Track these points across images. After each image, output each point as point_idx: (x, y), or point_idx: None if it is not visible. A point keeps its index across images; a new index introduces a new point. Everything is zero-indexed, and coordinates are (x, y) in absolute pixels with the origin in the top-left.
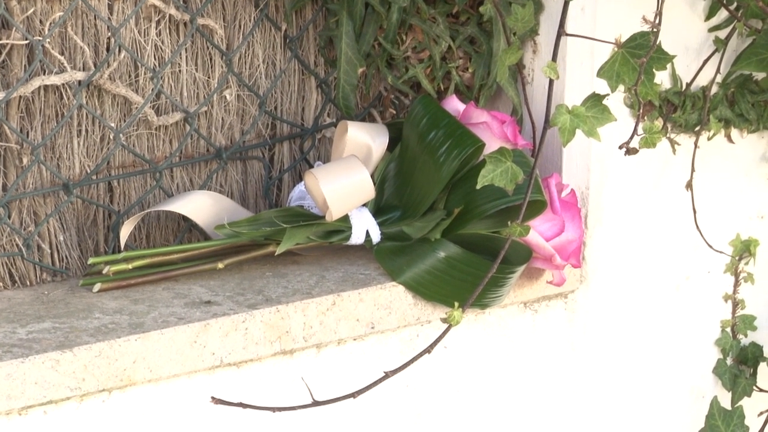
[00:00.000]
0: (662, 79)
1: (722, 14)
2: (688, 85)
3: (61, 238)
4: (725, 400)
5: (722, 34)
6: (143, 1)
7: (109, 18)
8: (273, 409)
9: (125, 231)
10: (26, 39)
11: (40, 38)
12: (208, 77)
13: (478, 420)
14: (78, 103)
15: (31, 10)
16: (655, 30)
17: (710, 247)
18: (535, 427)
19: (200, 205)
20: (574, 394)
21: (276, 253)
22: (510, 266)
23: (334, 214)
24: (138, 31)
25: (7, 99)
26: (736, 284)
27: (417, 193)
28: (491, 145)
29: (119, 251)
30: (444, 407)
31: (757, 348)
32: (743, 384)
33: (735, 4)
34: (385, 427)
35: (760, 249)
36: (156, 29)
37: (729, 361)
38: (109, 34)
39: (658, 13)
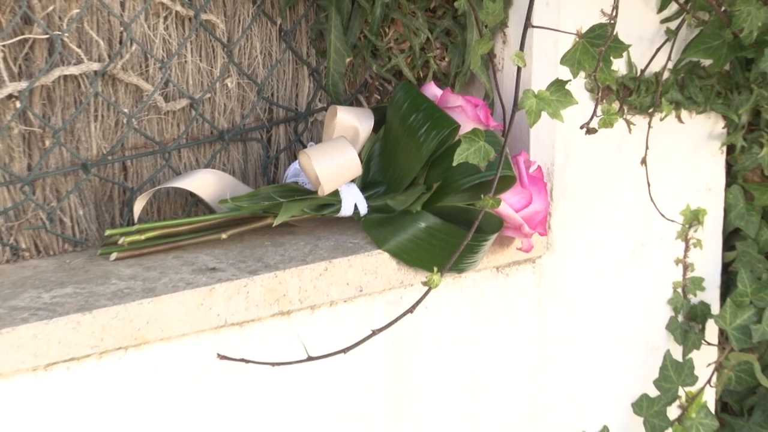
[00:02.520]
0: (619, 66)
1: (673, 7)
2: (642, 71)
3: (81, 213)
4: (677, 353)
5: (673, 25)
6: (150, 0)
7: (121, 14)
8: (272, 364)
9: (138, 206)
10: (47, 33)
11: (60, 33)
12: (211, 67)
13: (455, 372)
14: (94, 91)
15: (51, 8)
16: (612, 22)
17: (663, 216)
18: (506, 379)
19: (205, 182)
20: (542, 350)
21: (274, 225)
22: (483, 235)
23: (325, 189)
24: (147, 26)
25: (31, 88)
26: (687, 249)
27: (400, 170)
28: (466, 126)
29: (133, 224)
30: (425, 361)
31: (705, 306)
32: (693, 338)
33: None
34: (372, 380)
35: (708, 218)
36: (164, 24)
37: (680, 318)
38: (122, 28)
39: (615, 7)
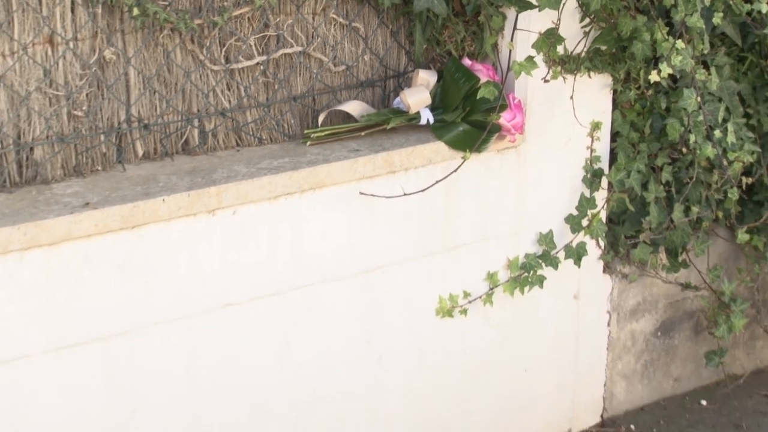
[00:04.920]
0: (560, 49)
1: (587, 20)
2: (571, 52)
3: (292, 121)
4: (587, 194)
5: (587, 28)
6: (327, 15)
7: (312, 22)
8: (386, 197)
9: (321, 118)
10: (276, 32)
11: (282, 31)
12: (356, 49)
13: (476, 201)
14: (298, 61)
15: (278, 19)
16: (557, 27)
17: (581, 124)
18: (501, 205)
19: (354, 107)
20: (519, 193)
21: (387, 128)
22: (491, 134)
23: (413, 110)
24: (325, 28)
25: (268, 59)
26: (592, 142)
27: (449, 101)
28: (483, 79)
29: (318, 127)
30: (462, 195)
31: (601, 170)
32: (595, 185)
33: (593, 15)
34: (435, 204)
35: (603, 126)
36: (333, 27)
37: (589, 176)
38: (313, 29)
39: (558, 19)
